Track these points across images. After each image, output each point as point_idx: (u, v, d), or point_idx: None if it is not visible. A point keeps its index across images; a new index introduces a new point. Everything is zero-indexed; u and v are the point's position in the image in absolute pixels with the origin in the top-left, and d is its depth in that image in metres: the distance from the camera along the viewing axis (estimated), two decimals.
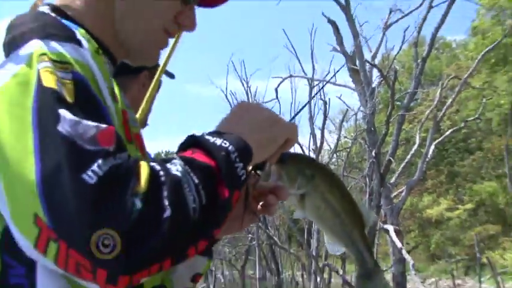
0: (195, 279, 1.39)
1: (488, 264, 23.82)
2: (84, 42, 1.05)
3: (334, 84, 20.56)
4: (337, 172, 26.95)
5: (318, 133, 22.54)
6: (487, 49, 21.87)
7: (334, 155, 26.00)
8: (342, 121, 24.79)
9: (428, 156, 18.95)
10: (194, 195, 0.90)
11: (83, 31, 1.09)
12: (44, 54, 0.95)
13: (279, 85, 25.09)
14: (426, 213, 32.78)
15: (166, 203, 0.87)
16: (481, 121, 26.25)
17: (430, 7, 18.22)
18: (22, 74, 0.93)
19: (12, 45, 0.98)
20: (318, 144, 22.76)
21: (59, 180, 0.85)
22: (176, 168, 0.92)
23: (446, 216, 31.58)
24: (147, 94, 2.13)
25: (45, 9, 1.14)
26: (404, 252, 15.56)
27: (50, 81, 0.91)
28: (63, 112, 0.89)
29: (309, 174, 1.22)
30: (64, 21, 1.09)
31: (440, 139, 20.57)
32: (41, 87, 0.91)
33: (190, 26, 1.28)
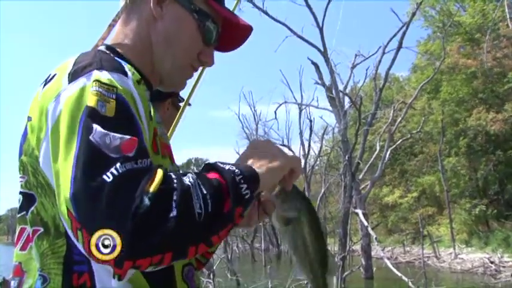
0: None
1: (428, 235, 23.76)
2: (129, 73, 1.00)
3: (317, 107, 20.64)
4: (320, 171, 27.12)
5: (306, 143, 22.57)
6: (423, 82, 22.03)
7: (318, 159, 26.02)
8: (323, 134, 24.89)
9: (386, 158, 18.95)
10: (201, 203, 0.82)
11: (129, 66, 1.05)
12: (97, 80, 0.91)
13: (277, 109, 25.41)
14: (385, 200, 32.67)
15: (174, 205, 0.80)
16: (422, 133, 26.30)
17: (384, 53, 18.52)
18: (77, 97, 0.89)
19: (75, 74, 0.94)
20: (306, 151, 22.78)
21: (84, 179, 0.80)
22: (188, 179, 0.85)
23: (398, 202, 31.46)
24: (175, 120, 2.13)
25: (102, 48, 1.11)
26: (369, 229, 15.45)
27: (92, 101, 0.87)
28: (96, 126, 0.84)
29: (298, 207, 1.09)
30: (116, 58, 1.05)
31: (393, 146, 20.57)
32: (86, 106, 0.87)
33: (209, 62, 1.21)
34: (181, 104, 2.29)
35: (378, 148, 19.43)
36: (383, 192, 33.15)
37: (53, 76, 0.98)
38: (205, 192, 0.84)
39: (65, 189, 0.82)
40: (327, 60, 17.65)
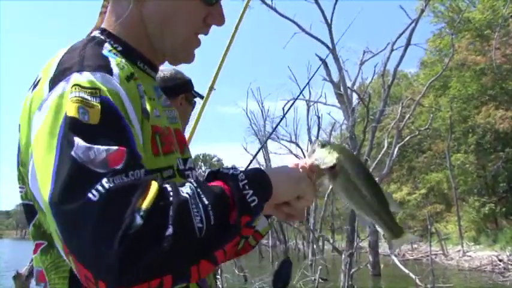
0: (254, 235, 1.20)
1: (435, 232, 23.67)
2: (116, 70, 0.88)
3: (325, 104, 20.63)
4: None
5: (314, 140, 22.60)
6: (432, 79, 21.93)
7: None
8: (331, 131, 24.92)
9: (394, 155, 18.86)
10: (202, 215, 0.74)
11: (118, 59, 0.93)
12: (76, 85, 0.81)
13: (285, 105, 25.20)
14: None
15: (170, 221, 0.71)
16: (430, 130, 26.21)
17: (392, 50, 18.44)
18: (56, 107, 0.80)
19: (55, 80, 0.84)
20: None
21: (68, 200, 0.71)
22: (186, 190, 0.76)
23: (406, 199, 31.42)
24: (194, 121, 2.08)
25: (96, 33, 1.01)
26: (377, 225, 15.41)
27: (72, 110, 0.78)
28: (77, 139, 0.75)
29: (337, 157, 1.09)
30: (104, 52, 0.94)
31: (401, 143, 20.46)
32: (65, 117, 0.78)
33: (219, 23, 1.06)
34: (197, 99, 2.26)
35: (385, 145, 19.32)
36: (391, 189, 32.94)
37: (38, 81, 0.89)
38: (206, 202, 0.75)
39: (49, 212, 0.74)
40: (335, 56, 17.60)
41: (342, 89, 17.50)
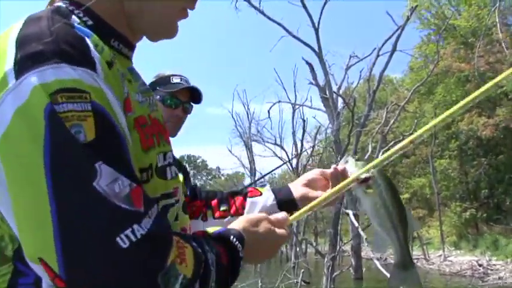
0: None
1: (417, 237, 23.86)
2: (96, 56, 0.73)
3: (310, 107, 20.70)
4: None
5: (299, 143, 22.64)
6: (417, 84, 22.06)
7: (310, 159, 26.03)
8: (316, 134, 24.89)
9: None
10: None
11: (96, 38, 0.77)
12: (59, 89, 0.65)
13: (270, 108, 25.42)
14: None
15: None
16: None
17: (378, 55, 18.53)
18: (32, 113, 0.64)
19: (23, 67, 0.66)
20: (299, 151, 22.82)
21: (85, 238, 0.61)
22: (211, 261, 0.74)
23: None
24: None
25: (61, 3, 0.83)
26: (359, 229, 15.50)
27: (61, 130, 0.64)
28: (100, 166, 0.64)
29: (373, 172, 1.17)
30: (77, 27, 0.76)
31: (386, 148, 20.56)
32: (53, 138, 0.63)
33: None
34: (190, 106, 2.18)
35: (370, 149, 19.43)
36: None
37: None
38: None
39: (39, 241, 0.62)
40: (321, 60, 17.66)
41: (327, 93, 17.57)
